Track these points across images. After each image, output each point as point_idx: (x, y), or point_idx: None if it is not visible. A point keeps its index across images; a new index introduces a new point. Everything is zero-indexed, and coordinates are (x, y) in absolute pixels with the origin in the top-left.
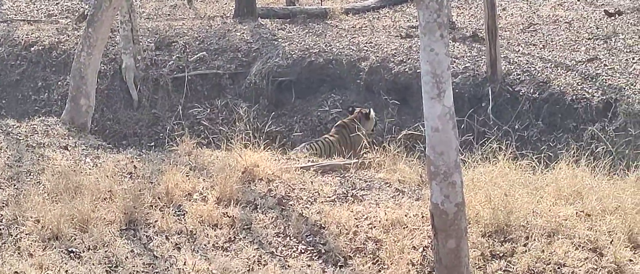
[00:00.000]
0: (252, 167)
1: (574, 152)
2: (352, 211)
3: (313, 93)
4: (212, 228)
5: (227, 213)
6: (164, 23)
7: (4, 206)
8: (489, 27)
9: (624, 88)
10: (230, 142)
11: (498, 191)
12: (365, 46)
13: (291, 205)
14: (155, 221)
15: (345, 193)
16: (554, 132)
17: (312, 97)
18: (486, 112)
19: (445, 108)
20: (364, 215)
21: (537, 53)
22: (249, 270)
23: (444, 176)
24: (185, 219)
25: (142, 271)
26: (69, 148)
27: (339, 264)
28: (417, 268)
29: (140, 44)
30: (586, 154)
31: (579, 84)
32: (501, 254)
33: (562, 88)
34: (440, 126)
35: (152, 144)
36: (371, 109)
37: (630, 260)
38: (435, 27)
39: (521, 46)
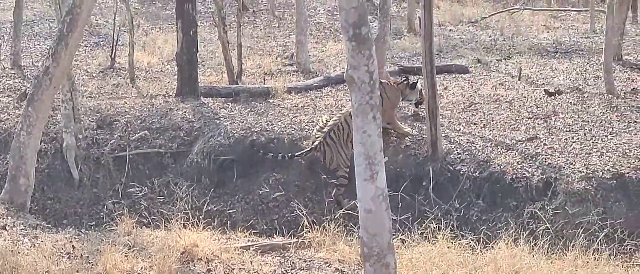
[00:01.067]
0: (191, 247)
1: (513, 232)
2: None
3: (255, 172)
4: None
5: None
6: (105, 102)
7: None
8: (430, 107)
9: (564, 167)
10: (169, 222)
11: (436, 271)
12: (307, 125)
13: None
14: None
15: (284, 273)
16: (494, 211)
17: (253, 176)
18: (427, 191)
19: (378, 189)
20: None
21: (478, 132)
22: None
23: (377, 258)
24: None
25: None
26: (7, 228)
27: None
28: None
29: (82, 122)
30: (525, 234)
31: (519, 163)
32: None
33: (502, 167)
34: (374, 207)
35: (93, 223)
36: (419, 81)
37: None
38: (368, 109)
39: (462, 125)
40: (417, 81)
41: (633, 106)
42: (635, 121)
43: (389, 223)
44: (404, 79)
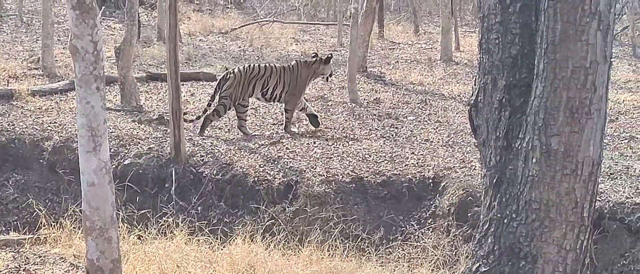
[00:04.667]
0: None
1: (251, 230)
2: None
3: None
4: None
5: None
6: None
7: None
8: (173, 109)
9: (305, 170)
10: None
11: (171, 264)
12: (49, 126)
13: None
14: None
15: (17, 267)
16: (235, 212)
17: None
18: (169, 193)
19: (101, 162)
20: None
21: (222, 136)
22: None
23: (99, 232)
24: None
25: None
26: None
27: None
28: None
29: None
30: (263, 231)
31: (262, 166)
32: None
33: (244, 170)
34: (96, 180)
35: None
36: (332, 55)
37: None
38: (92, 80)
39: (206, 130)
40: (331, 56)
41: (374, 115)
42: (376, 129)
43: (112, 197)
44: (314, 55)
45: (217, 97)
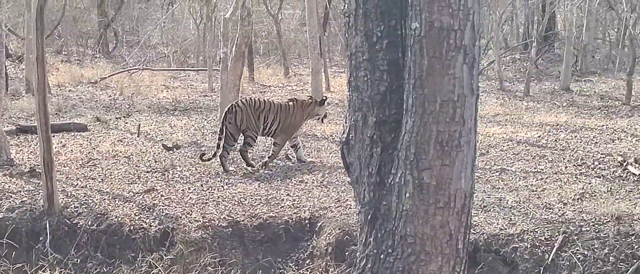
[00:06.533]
0: None
1: None
2: None
3: None
4: None
5: None
6: None
7: None
8: (45, 161)
9: (181, 217)
10: None
11: None
12: None
13: None
14: None
15: None
16: (113, 262)
17: None
18: (45, 246)
19: None
20: None
21: (96, 186)
22: None
23: None
24: None
25: None
26: None
27: None
28: None
29: None
30: None
31: (137, 214)
32: None
33: (120, 219)
34: None
35: None
36: (327, 98)
37: None
38: None
39: (80, 180)
40: (325, 98)
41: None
42: (250, 172)
43: None
44: (309, 97)
45: (224, 130)
